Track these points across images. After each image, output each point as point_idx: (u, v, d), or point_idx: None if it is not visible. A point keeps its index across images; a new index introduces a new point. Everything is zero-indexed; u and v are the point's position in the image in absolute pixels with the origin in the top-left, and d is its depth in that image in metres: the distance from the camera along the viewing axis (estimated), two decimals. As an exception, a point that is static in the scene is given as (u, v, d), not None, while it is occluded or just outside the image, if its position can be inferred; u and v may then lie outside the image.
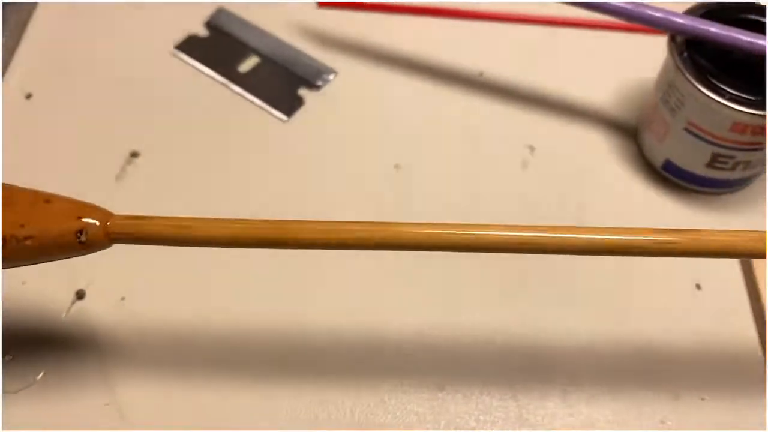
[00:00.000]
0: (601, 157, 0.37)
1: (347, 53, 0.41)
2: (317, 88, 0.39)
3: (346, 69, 0.40)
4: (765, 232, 0.25)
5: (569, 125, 0.38)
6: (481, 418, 0.30)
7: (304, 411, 0.30)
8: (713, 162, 0.34)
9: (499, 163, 0.37)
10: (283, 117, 0.38)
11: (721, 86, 0.32)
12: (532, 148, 0.37)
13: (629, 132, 0.38)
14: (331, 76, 0.40)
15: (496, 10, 0.41)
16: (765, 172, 0.36)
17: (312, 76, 0.39)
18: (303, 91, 0.39)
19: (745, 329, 0.33)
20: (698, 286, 0.34)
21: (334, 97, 0.39)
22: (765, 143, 0.33)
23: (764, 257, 0.25)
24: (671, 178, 0.36)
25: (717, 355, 0.32)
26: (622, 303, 0.33)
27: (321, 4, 0.42)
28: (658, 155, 0.36)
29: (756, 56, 0.32)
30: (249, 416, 0.30)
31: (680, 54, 0.33)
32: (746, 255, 0.26)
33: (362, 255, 0.29)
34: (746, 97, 0.31)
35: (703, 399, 0.31)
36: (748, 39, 0.32)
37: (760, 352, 0.32)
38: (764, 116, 0.31)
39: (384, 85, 0.40)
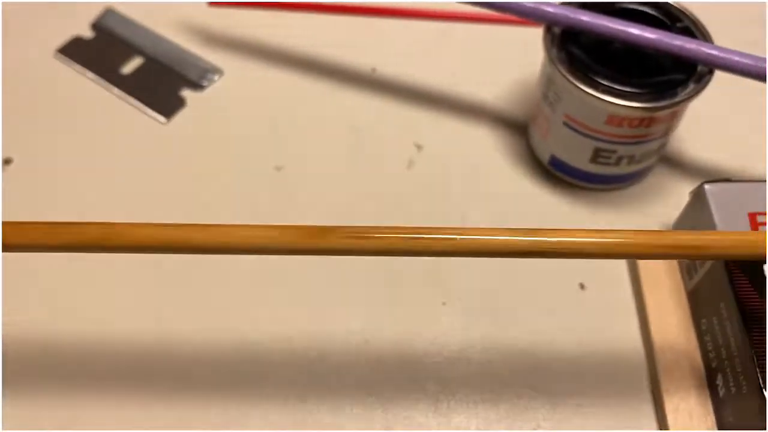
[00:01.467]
0: (489, 155, 0.36)
1: (237, 53, 0.39)
2: (201, 88, 0.38)
3: (233, 69, 0.39)
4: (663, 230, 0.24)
5: (459, 122, 0.37)
6: (346, 428, 0.29)
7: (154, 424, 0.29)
8: (596, 157, 0.33)
9: (384, 162, 0.36)
10: (162, 119, 0.37)
11: (594, 78, 0.30)
12: (419, 147, 0.36)
13: (519, 128, 0.37)
14: (216, 76, 0.38)
15: (389, 6, 0.40)
16: (654, 166, 0.35)
17: (197, 77, 0.38)
18: (186, 92, 0.38)
19: (629, 330, 0.31)
20: (582, 286, 0.32)
21: (217, 98, 0.38)
22: (647, 137, 0.32)
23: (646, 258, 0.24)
24: (559, 174, 0.35)
25: (599, 357, 0.31)
26: (504, 304, 0.32)
27: (212, 4, 0.40)
28: (544, 151, 0.35)
29: (634, 46, 0.31)
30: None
31: (555, 46, 0.31)
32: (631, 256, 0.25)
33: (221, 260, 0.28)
34: (620, 88, 0.30)
35: (579, 405, 0.30)
36: (621, 28, 0.30)
37: (642, 354, 0.31)
38: (639, 108, 0.30)
39: (271, 84, 0.38)
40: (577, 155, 0.33)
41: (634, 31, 0.30)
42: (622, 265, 0.33)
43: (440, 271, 0.32)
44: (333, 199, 0.35)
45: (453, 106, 0.38)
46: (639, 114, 0.30)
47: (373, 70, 0.39)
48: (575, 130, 0.32)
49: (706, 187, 0.30)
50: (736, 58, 0.30)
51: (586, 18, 0.31)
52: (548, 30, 0.32)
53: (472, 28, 0.39)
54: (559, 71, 0.31)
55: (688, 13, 0.32)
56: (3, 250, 0.23)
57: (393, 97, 0.38)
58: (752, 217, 0.29)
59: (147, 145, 0.36)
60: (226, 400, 0.29)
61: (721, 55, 0.30)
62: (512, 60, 0.39)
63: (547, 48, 0.31)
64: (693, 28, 0.32)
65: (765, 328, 0.26)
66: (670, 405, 0.29)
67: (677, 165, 0.36)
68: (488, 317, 0.31)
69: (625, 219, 0.34)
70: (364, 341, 0.31)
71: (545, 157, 0.35)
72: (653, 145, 0.33)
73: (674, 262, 0.32)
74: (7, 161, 0.35)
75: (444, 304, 0.32)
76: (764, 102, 0.37)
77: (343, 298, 0.32)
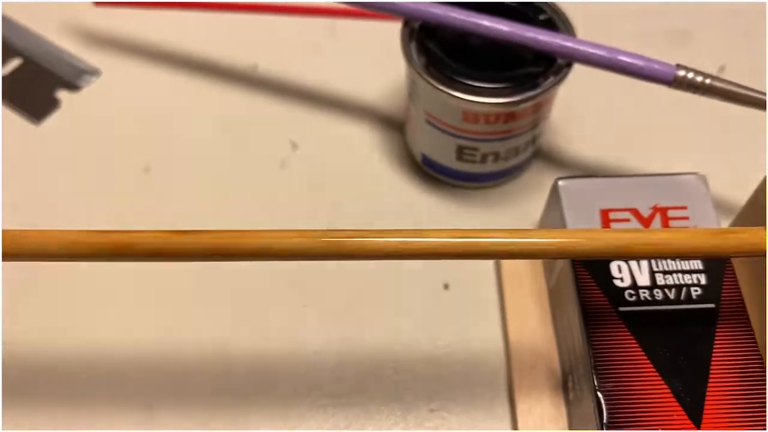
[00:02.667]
0: (366, 154, 0.35)
1: (118, 53, 0.39)
2: (77, 89, 0.37)
3: (112, 69, 0.38)
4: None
5: (338, 121, 0.36)
6: (192, 436, 0.28)
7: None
8: (461, 155, 0.32)
9: (258, 162, 0.35)
10: (33, 120, 0.36)
11: (447, 74, 0.30)
12: (295, 146, 0.35)
13: (398, 127, 0.36)
14: (94, 77, 0.38)
15: (273, 3, 0.39)
16: (531, 162, 0.35)
17: (73, 77, 0.37)
18: (62, 93, 0.37)
19: (491, 331, 0.30)
20: (446, 286, 0.32)
21: (93, 99, 0.37)
22: (510, 132, 0.31)
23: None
24: (431, 172, 0.34)
25: (459, 359, 0.30)
26: (365, 306, 0.31)
27: (96, 4, 0.40)
28: (417, 150, 0.34)
29: (491, 40, 0.30)
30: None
31: (413, 41, 0.31)
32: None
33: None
34: (473, 84, 0.29)
35: (434, 409, 0.29)
36: (473, 20, 0.30)
37: (503, 356, 0.30)
38: (492, 104, 0.29)
39: (149, 84, 0.38)
40: (443, 153, 0.33)
41: (486, 23, 0.29)
42: (489, 264, 0.32)
43: (302, 273, 0.32)
44: (201, 201, 0.34)
45: (333, 104, 0.37)
46: (493, 110, 0.29)
47: (255, 67, 0.38)
48: (437, 128, 0.31)
49: (559, 183, 0.29)
50: (591, 50, 0.29)
51: (438, 11, 0.30)
52: (406, 24, 0.31)
53: (359, 24, 0.39)
54: (414, 68, 0.30)
55: (552, 5, 0.31)
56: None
57: (273, 95, 0.37)
58: (604, 213, 0.28)
59: (15, 147, 0.35)
60: (79, 406, 0.29)
61: (575, 46, 0.29)
62: (397, 57, 0.38)
63: (404, 43, 0.31)
64: (556, 20, 0.31)
65: (604, 326, 0.26)
66: (523, 407, 0.28)
67: (555, 161, 0.35)
68: (348, 319, 0.31)
69: (499, 217, 0.33)
70: (221, 345, 0.30)
71: (419, 156, 0.34)
72: (519, 141, 0.32)
73: (538, 261, 0.31)
74: None
75: (305, 306, 0.31)
76: (647, 96, 0.36)
77: (200, 301, 0.31)
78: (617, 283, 0.27)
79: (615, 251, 0.22)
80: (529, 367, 0.29)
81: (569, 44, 0.29)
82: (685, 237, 0.22)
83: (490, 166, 0.33)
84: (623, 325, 0.26)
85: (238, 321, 0.31)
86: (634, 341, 0.25)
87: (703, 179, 0.29)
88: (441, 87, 0.29)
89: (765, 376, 0.25)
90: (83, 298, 0.31)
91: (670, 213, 0.28)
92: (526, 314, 0.30)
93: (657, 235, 0.22)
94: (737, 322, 0.26)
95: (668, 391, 0.24)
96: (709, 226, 0.26)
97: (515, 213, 0.33)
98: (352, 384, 0.29)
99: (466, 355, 0.30)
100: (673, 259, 0.27)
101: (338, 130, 0.36)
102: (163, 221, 0.33)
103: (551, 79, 0.30)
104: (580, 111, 0.37)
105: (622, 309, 0.26)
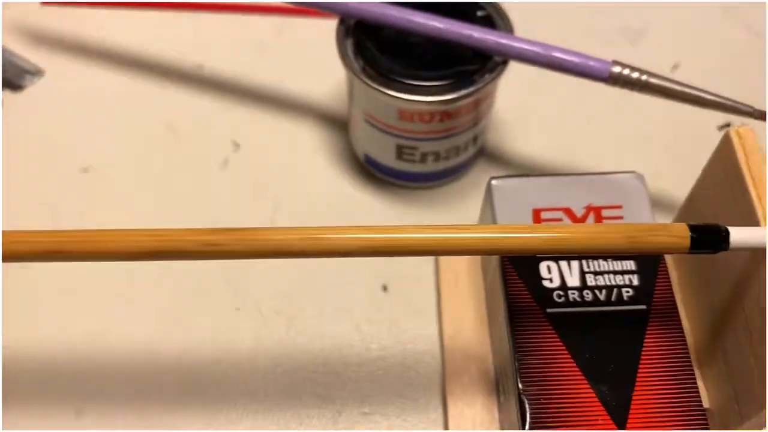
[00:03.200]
0: (309, 153, 0.35)
1: (63, 53, 0.38)
2: (20, 89, 0.37)
3: (56, 69, 0.37)
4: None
5: (282, 120, 0.36)
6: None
7: None
8: (401, 154, 0.32)
9: (199, 162, 0.34)
10: (-29, 121, 0.35)
11: (382, 72, 0.29)
12: (237, 146, 0.35)
13: (342, 126, 0.36)
14: (37, 77, 0.37)
15: (219, 1, 0.39)
16: (476, 161, 0.34)
17: (16, 77, 0.37)
18: (4, 93, 0.36)
19: (428, 333, 0.30)
20: (385, 288, 0.31)
21: (35, 99, 0.36)
22: (448, 131, 0.30)
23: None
24: (375, 172, 0.34)
25: (395, 362, 0.29)
26: (300, 308, 0.30)
27: (44, 3, 0.39)
28: (359, 149, 0.34)
29: (426, 37, 0.29)
30: None
31: (348, 39, 0.30)
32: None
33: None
34: (409, 83, 0.29)
35: (366, 413, 0.28)
36: (406, 17, 0.29)
37: (439, 358, 0.29)
38: (429, 102, 0.29)
39: (92, 84, 0.37)
40: (384, 153, 0.32)
41: (420, 20, 0.29)
42: (429, 264, 0.31)
43: (236, 275, 0.31)
44: (139, 201, 0.33)
45: (278, 103, 0.36)
46: (428, 108, 0.29)
47: (200, 67, 0.38)
48: (376, 127, 0.31)
49: (493, 182, 0.28)
50: (525, 47, 0.29)
51: (375, 8, 0.29)
52: (342, 22, 0.31)
53: (305, 23, 0.38)
54: (348, 66, 0.29)
55: (494, 4, 0.31)
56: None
57: (217, 94, 0.37)
58: (537, 213, 0.28)
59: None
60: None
61: (510, 43, 0.29)
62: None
63: (339, 42, 0.30)
64: (495, 17, 0.31)
65: (530, 328, 0.25)
66: (455, 411, 0.28)
67: (500, 160, 0.35)
68: (282, 322, 0.30)
69: (442, 216, 0.33)
70: (150, 347, 0.29)
71: (362, 156, 0.34)
72: (459, 140, 0.31)
73: (477, 261, 0.31)
74: None
75: (238, 309, 0.30)
76: (594, 95, 0.35)
77: (130, 302, 0.31)
78: (546, 283, 0.26)
79: (506, 246, 0.22)
80: (463, 370, 0.28)
81: (504, 41, 0.29)
82: (593, 234, 0.21)
83: (431, 166, 0.32)
84: (550, 327, 0.25)
85: (168, 323, 0.30)
86: (560, 344, 0.25)
87: (641, 178, 0.28)
88: (375, 85, 0.29)
89: (693, 378, 0.24)
90: (12, 299, 0.30)
91: (605, 212, 0.28)
92: (462, 316, 0.29)
93: (557, 231, 0.22)
94: (668, 324, 0.25)
95: (593, 395, 0.24)
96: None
97: (457, 212, 0.33)
98: (283, 387, 0.29)
99: (402, 357, 0.29)
100: (605, 259, 0.27)
101: (282, 130, 0.36)
102: (99, 222, 0.32)
103: (487, 76, 0.29)
104: (527, 111, 0.36)
105: (549, 310, 0.25)
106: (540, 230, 0.22)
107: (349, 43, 0.30)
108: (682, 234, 0.22)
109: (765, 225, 0.23)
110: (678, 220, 0.29)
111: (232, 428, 0.28)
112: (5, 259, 0.21)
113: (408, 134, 0.30)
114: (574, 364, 0.24)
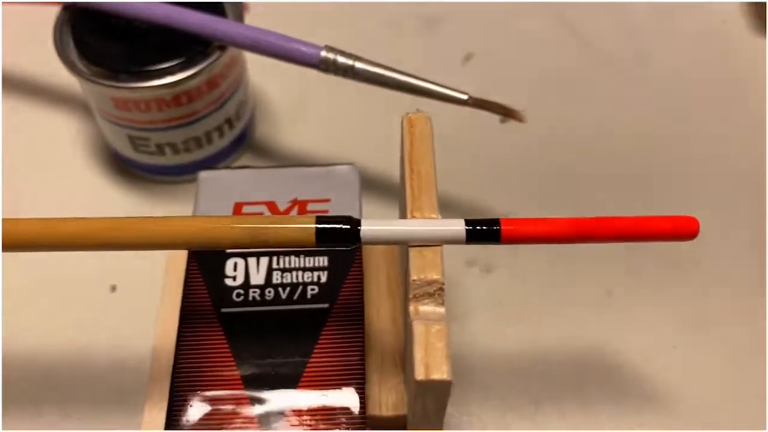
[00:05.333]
0: (63, 144, 0.33)
1: None
2: None
3: None
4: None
5: (37, 109, 0.34)
6: None
7: None
8: (136, 146, 0.30)
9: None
10: None
11: (93, 60, 0.28)
12: (1, 139, 0.34)
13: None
14: None
15: None
16: (239, 154, 0.33)
17: None
18: None
19: (142, 335, 0.28)
20: (113, 288, 0.30)
21: None
22: (177, 120, 0.29)
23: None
24: (126, 166, 0.32)
25: (105, 364, 0.28)
26: (25, 306, 0.29)
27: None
28: (109, 142, 0.32)
29: (152, 25, 0.28)
30: None
31: (61, 26, 0.29)
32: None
33: None
34: (118, 70, 0.27)
35: (67, 415, 0.27)
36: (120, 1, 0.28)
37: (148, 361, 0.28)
38: (138, 89, 0.27)
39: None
40: (122, 145, 0.31)
41: (137, 7, 0.27)
42: (161, 264, 0.30)
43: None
44: None
45: (35, 92, 0.35)
46: (136, 95, 0.27)
47: None
48: (105, 119, 0.29)
49: (201, 174, 0.27)
50: (235, 31, 0.27)
51: (84, -7, 0.28)
52: (65, 9, 0.29)
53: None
54: (59, 54, 0.28)
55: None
56: None
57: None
58: (238, 206, 0.26)
59: None
60: None
61: (218, 27, 0.27)
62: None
63: (55, 29, 0.29)
64: (226, 5, 0.29)
65: (199, 330, 0.24)
66: (150, 415, 0.26)
67: (268, 154, 0.33)
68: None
69: (189, 210, 0.31)
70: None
71: (112, 149, 0.32)
72: (195, 132, 0.30)
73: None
74: None
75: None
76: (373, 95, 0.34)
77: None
78: (228, 282, 0.25)
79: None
80: (164, 375, 0.27)
81: (214, 26, 0.27)
82: (205, 228, 0.20)
83: (173, 158, 0.31)
84: (219, 329, 0.24)
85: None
86: (226, 347, 0.23)
87: (355, 170, 0.27)
88: (80, 74, 0.27)
89: (363, 387, 0.22)
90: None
91: (311, 206, 0.26)
92: (173, 318, 0.28)
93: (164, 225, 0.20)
94: (348, 324, 0.24)
95: (248, 402, 0.22)
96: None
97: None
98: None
99: (114, 359, 0.28)
100: (297, 255, 0.25)
101: (37, 120, 0.34)
102: None
103: (203, 64, 0.28)
104: (305, 105, 0.35)
105: (224, 310, 0.24)
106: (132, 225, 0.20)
107: (67, 31, 0.29)
108: (308, 229, 0.20)
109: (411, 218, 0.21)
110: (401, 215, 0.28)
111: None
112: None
113: (132, 124, 0.29)
114: (236, 370, 0.23)
